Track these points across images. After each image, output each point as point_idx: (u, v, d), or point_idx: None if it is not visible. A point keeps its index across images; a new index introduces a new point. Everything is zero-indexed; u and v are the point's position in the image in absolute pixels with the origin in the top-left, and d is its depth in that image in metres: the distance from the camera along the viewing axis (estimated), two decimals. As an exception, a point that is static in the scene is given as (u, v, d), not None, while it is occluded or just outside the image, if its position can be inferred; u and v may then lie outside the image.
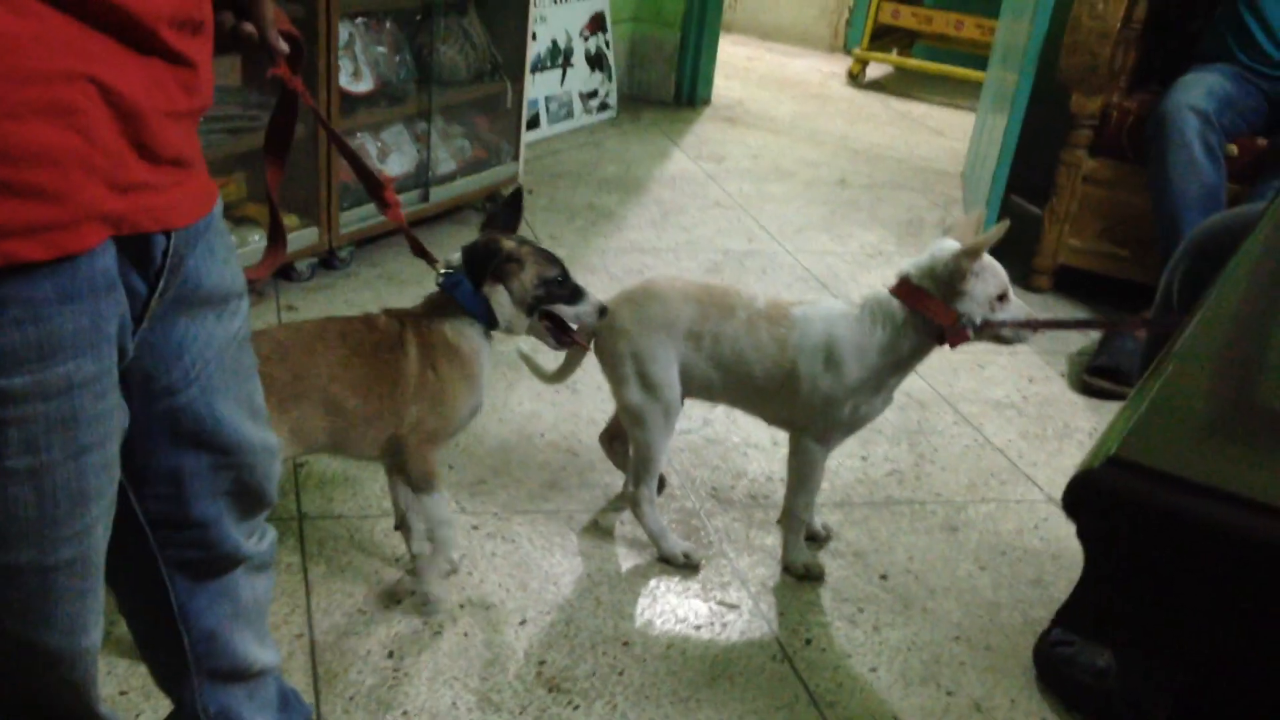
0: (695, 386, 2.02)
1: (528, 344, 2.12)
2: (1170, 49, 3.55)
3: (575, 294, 1.89)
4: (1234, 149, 3.11)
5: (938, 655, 1.96)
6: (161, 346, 1.04)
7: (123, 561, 1.14)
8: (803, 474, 2.03)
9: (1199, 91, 3.09)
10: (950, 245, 1.89)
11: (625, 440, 2.14)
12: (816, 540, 2.20)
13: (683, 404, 2.04)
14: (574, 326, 1.90)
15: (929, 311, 1.88)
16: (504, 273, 1.82)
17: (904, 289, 1.91)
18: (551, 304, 1.86)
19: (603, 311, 1.91)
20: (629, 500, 2.09)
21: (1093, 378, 2.93)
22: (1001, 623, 2.05)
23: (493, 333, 1.86)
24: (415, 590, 1.93)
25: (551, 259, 1.87)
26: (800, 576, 2.09)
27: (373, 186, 1.57)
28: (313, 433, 1.73)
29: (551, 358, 2.17)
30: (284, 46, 1.16)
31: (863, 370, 1.91)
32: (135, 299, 0.98)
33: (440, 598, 1.92)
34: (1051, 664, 1.90)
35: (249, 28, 1.11)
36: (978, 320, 1.87)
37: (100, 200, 0.88)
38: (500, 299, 1.83)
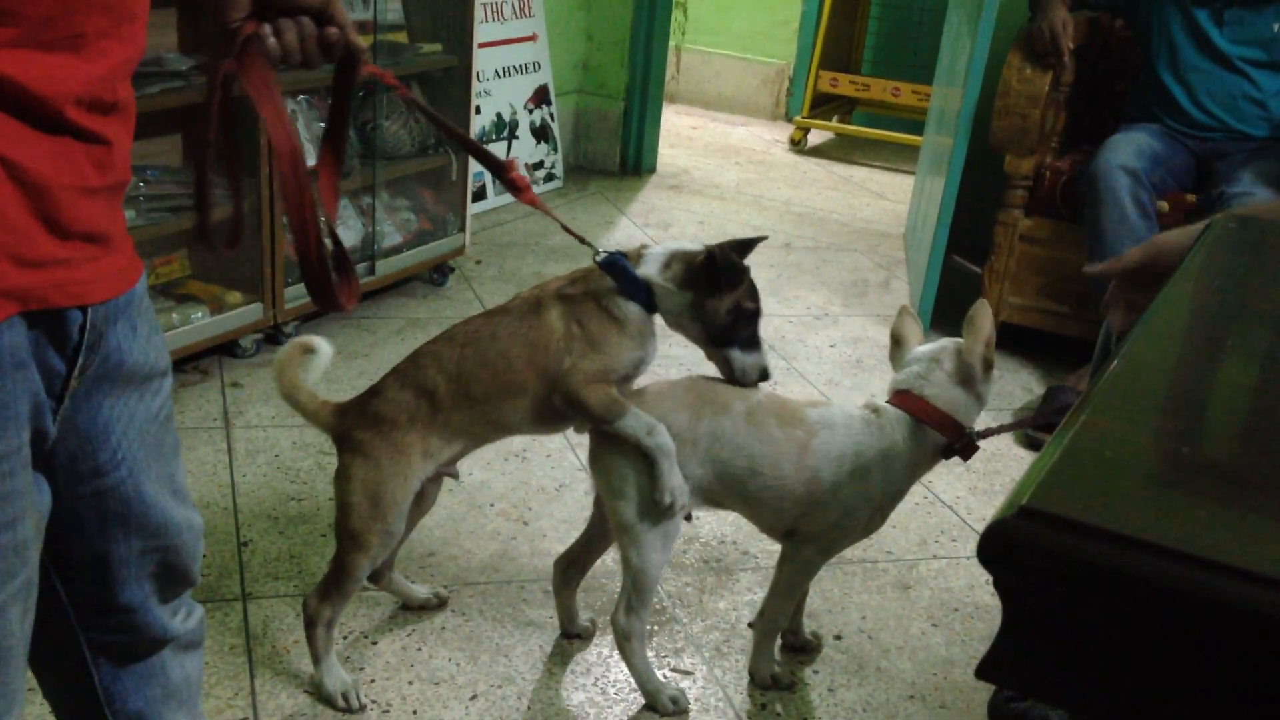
0: (693, 495, 1.82)
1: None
2: (1099, 110, 3.65)
3: (752, 341, 1.80)
4: (1164, 205, 3.19)
5: (893, 715, 1.95)
6: (87, 427, 1.03)
7: (44, 644, 1.10)
8: (795, 582, 1.92)
9: (1128, 150, 3.18)
10: (941, 346, 1.87)
11: (583, 570, 2.04)
12: (806, 651, 2.09)
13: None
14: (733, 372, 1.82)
15: (935, 423, 1.81)
16: (709, 288, 1.75)
17: (908, 401, 1.83)
18: (727, 338, 1.79)
19: (764, 375, 1.82)
20: (617, 632, 1.86)
21: (1037, 433, 2.97)
22: (955, 680, 2.05)
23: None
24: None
25: (756, 293, 1.79)
26: (765, 687, 1.97)
27: (496, 169, 1.63)
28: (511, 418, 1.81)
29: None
30: (364, 44, 1.22)
31: (887, 483, 1.82)
32: (53, 377, 0.96)
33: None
34: (1006, 720, 1.90)
35: (334, 32, 1.15)
36: (975, 424, 1.84)
37: (3, 275, 0.88)
38: (674, 296, 1.77)
